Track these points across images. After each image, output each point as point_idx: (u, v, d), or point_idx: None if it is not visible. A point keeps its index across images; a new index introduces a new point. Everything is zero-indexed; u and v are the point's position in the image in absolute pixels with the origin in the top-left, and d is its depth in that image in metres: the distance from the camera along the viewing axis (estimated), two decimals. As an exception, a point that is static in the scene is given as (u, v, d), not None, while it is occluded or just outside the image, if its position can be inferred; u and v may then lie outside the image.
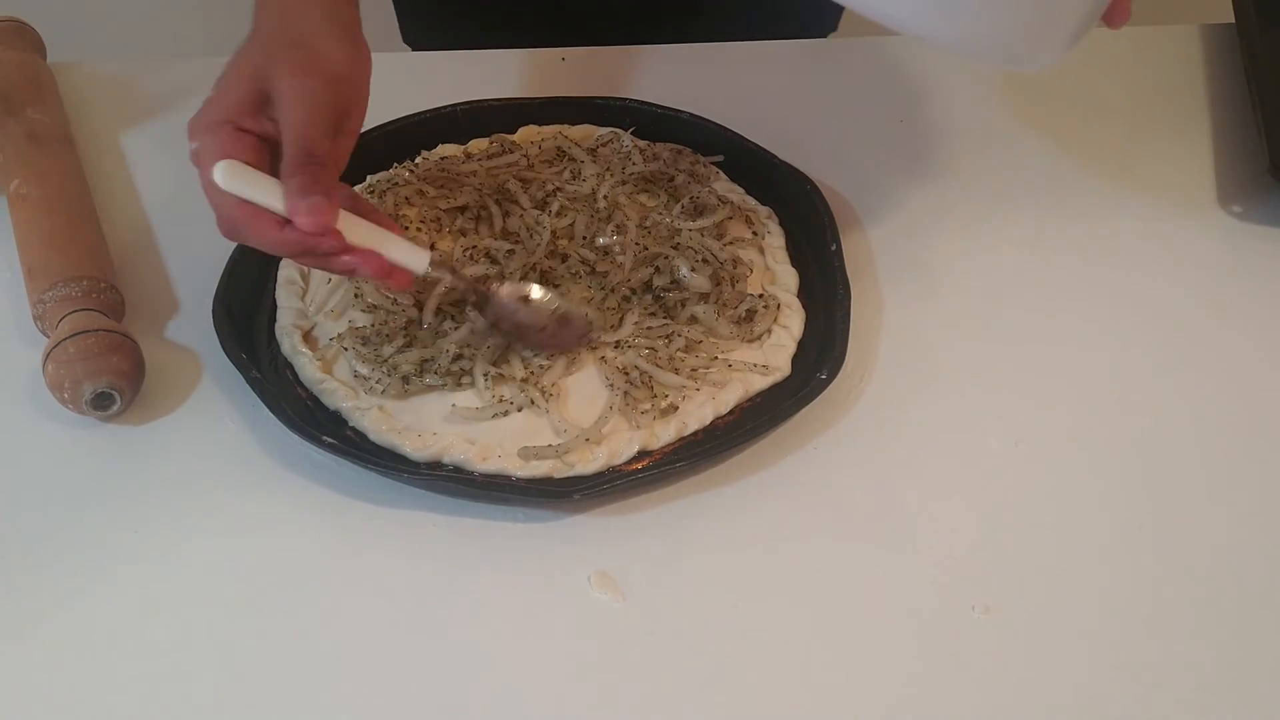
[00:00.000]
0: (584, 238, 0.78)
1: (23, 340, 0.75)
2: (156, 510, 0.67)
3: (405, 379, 0.71)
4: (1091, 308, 0.78)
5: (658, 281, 0.75)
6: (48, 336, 0.72)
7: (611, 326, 0.73)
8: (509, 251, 0.76)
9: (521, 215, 0.79)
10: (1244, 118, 0.91)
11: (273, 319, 0.76)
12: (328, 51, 0.65)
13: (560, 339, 0.72)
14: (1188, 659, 0.61)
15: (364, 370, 0.72)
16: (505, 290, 0.72)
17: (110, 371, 0.69)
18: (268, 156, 0.64)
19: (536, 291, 0.72)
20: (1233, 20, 0.96)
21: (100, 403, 0.69)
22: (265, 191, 0.63)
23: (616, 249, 0.77)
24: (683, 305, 0.74)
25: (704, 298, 0.75)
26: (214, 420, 0.72)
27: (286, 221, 0.63)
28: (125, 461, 0.70)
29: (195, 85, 0.93)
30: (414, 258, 0.67)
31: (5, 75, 0.87)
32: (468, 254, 0.76)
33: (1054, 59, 0.64)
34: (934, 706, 0.60)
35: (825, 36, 1.09)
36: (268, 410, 0.69)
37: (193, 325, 0.76)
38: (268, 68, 0.64)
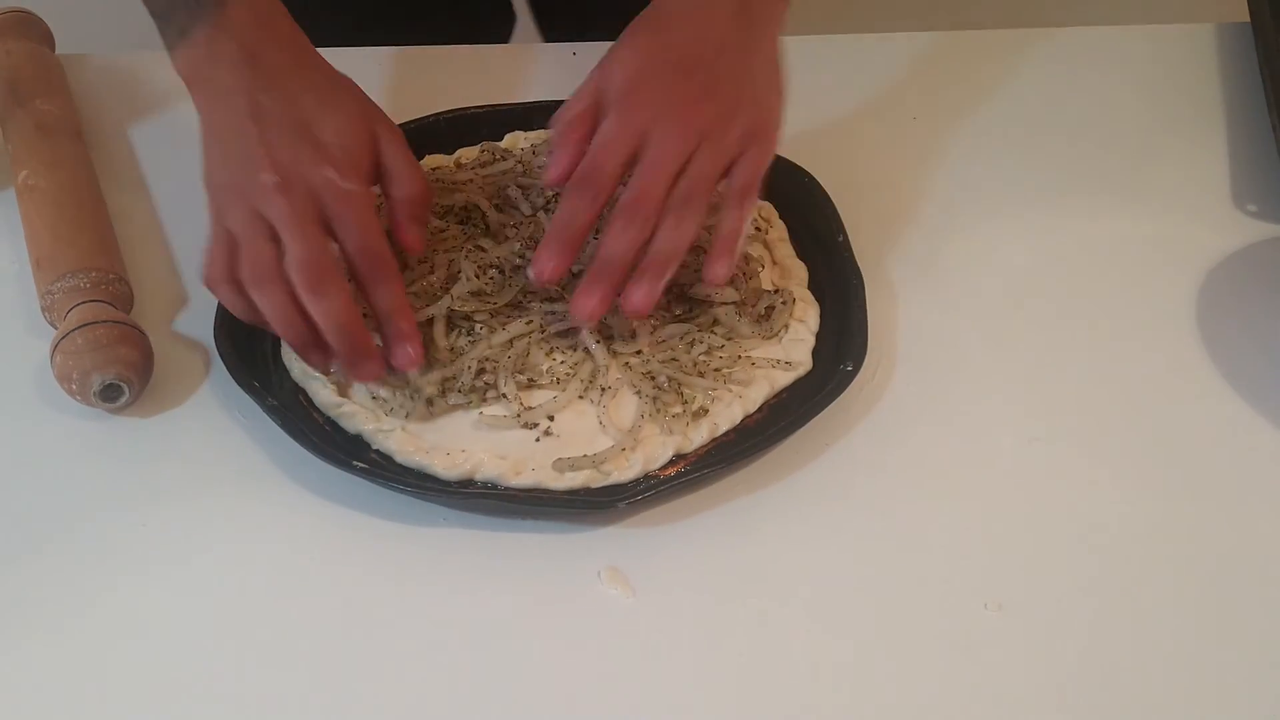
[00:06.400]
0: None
1: (31, 331, 0.74)
2: (164, 503, 0.67)
3: (429, 401, 0.68)
4: (1105, 306, 0.78)
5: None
6: (56, 328, 0.71)
7: (630, 334, 0.71)
8: (516, 268, 0.73)
9: (518, 226, 0.76)
10: (1259, 116, 0.91)
11: (276, 343, 0.73)
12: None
13: None
14: (1201, 657, 0.61)
15: (383, 394, 0.69)
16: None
17: (119, 363, 0.69)
18: None
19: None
20: (1248, 20, 0.95)
21: (109, 394, 0.69)
22: None
23: None
24: (704, 307, 0.73)
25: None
26: (223, 413, 0.71)
27: None
28: (133, 454, 0.69)
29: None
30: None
31: (14, 66, 0.87)
32: (478, 268, 0.73)
33: None
34: (946, 704, 0.59)
35: None
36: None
37: (202, 317, 0.76)
38: (368, 108, 0.53)
